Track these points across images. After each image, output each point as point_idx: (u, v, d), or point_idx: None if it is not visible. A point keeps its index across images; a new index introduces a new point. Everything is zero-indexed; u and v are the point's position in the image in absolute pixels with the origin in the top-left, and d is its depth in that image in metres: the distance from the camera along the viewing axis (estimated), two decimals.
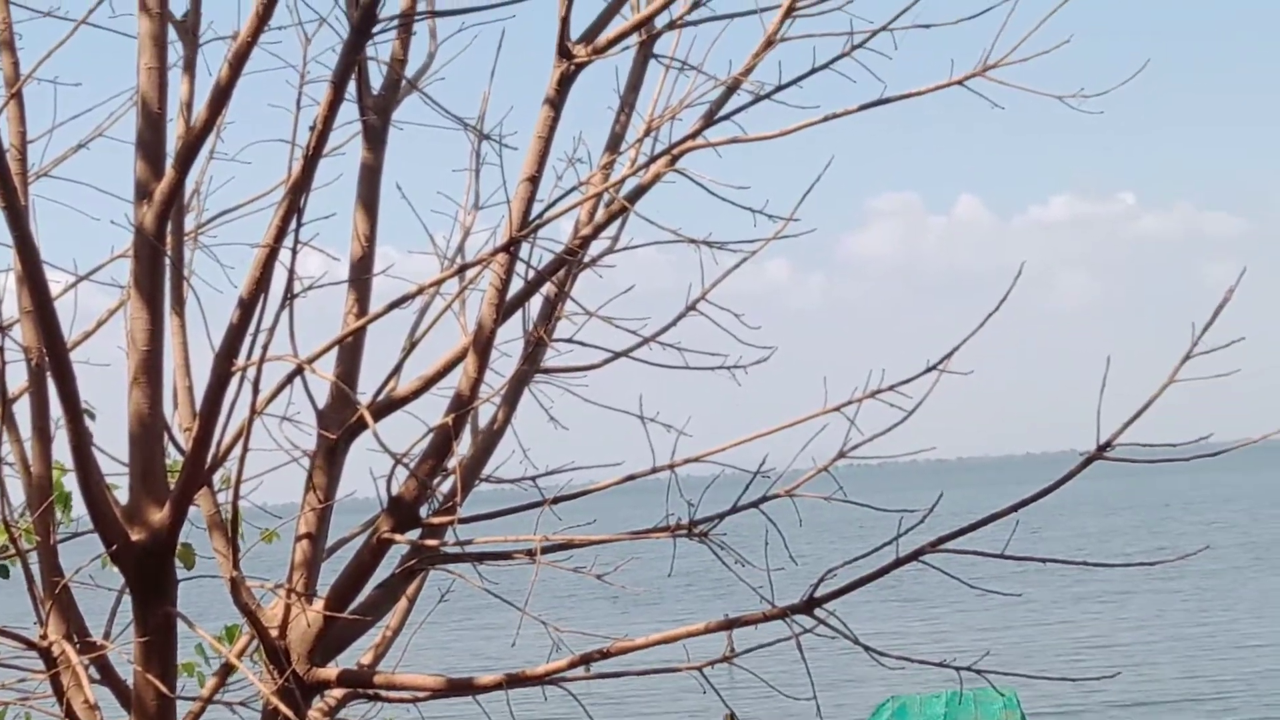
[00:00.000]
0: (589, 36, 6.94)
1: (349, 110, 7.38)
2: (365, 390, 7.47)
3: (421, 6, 7.60)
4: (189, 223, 8.27)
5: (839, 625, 6.87)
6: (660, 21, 7.45)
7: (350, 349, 7.48)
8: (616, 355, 7.98)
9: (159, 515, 6.79)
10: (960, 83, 6.99)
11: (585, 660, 7.02)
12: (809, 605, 6.86)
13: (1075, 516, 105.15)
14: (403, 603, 8.02)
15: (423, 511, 7.23)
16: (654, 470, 7.29)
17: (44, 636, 7.02)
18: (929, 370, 6.97)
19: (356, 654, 7.80)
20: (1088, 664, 41.70)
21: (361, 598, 7.30)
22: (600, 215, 7.44)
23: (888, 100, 7.00)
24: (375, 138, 7.62)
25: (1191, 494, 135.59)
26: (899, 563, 6.78)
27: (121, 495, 6.91)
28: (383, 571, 7.37)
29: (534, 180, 6.90)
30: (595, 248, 7.85)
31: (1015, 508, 6.74)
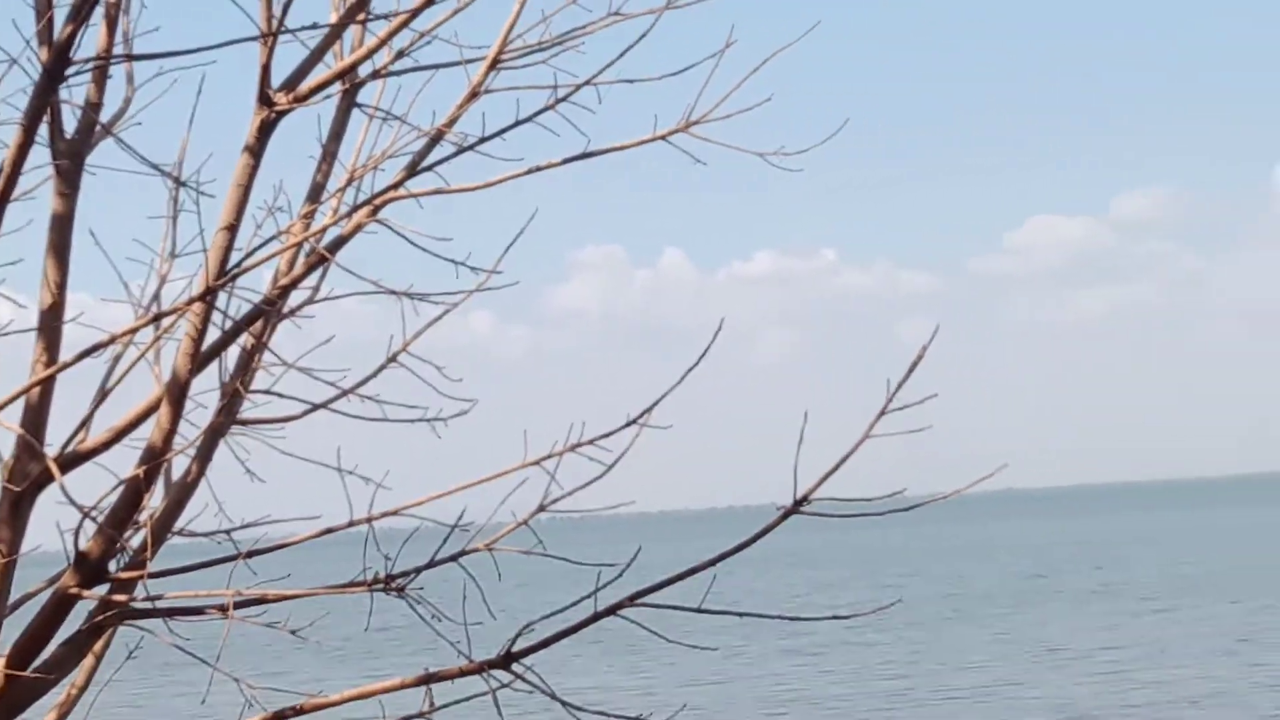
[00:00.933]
0: (291, 84, 6.86)
1: (40, 154, 7.20)
2: (54, 441, 7.28)
3: (118, 49, 7.44)
4: None
5: (536, 680, 6.85)
6: (363, 70, 7.40)
7: (38, 399, 7.27)
8: (315, 407, 7.89)
9: None
10: (663, 138, 7.07)
11: (278, 718, 6.93)
12: (506, 660, 6.83)
13: (786, 569, 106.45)
14: (89, 660, 7.80)
15: (112, 566, 7.05)
16: (351, 523, 7.21)
17: None
18: (629, 425, 7.00)
19: (40, 713, 7.57)
20: (790, 718, 42.18)
21: (45, 655, 7.09)
22: (300, 265, 7.34)
23: (592, 154, 7.05)
24: (68, 182, 7.42)
25: (904, 547, 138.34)
26: (596, 617, 6.78)
27: None
28: (69, 628, 7.17)
29: (232, 229, 6.79)
30: (295, 298, 7.75)
31: (713, 561, 6.80)
